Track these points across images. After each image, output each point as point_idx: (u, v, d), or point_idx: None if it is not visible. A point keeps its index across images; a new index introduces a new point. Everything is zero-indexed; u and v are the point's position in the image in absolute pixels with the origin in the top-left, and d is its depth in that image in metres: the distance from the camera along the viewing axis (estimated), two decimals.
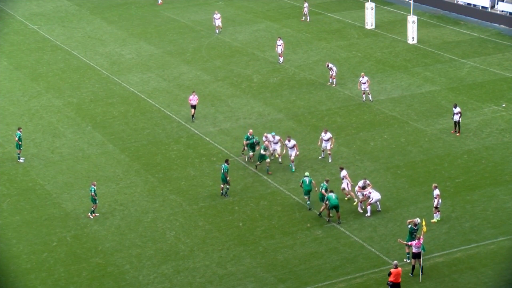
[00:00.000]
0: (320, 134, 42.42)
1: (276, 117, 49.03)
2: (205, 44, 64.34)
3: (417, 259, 31.93)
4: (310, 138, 45.34)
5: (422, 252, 31.81)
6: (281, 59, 58.22)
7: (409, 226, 33.03)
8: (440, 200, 35.95)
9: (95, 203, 37.19)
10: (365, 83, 49.97)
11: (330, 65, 53.77)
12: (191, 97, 48.19)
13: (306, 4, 69.94)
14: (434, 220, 36.03)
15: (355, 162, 42.19)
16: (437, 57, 58.82)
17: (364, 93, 50.40)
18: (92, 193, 36.91)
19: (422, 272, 31.98)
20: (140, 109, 51.21)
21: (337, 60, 59.05)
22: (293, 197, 38.74)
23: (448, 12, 70.26)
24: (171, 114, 49.99)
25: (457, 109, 44.64)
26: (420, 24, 64.02)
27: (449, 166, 41.60)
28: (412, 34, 62.31)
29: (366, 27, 66.70)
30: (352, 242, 34.71)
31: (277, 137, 42.33)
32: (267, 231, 35.92)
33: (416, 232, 32.66)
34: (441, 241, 34.54)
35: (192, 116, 48.18)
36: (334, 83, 53.57)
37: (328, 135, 41.60)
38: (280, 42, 58.10)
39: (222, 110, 50.48)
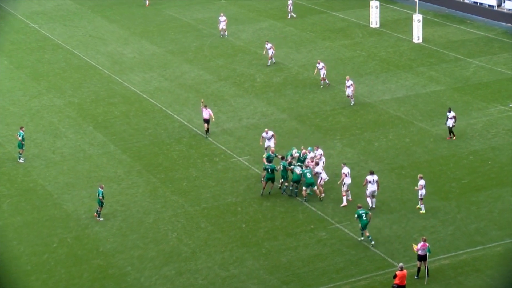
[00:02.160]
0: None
1: (280, 117, 49.01)
2: (207, 43, 64.37)
3: (422, 262, 31.83)
4: (313, 138, 45.31)
5: (427, 254, 31.74)
6: (269, 61, 57.61)
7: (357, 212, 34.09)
8: (424, 190, 36.13)
9: (102, 206, 37.08)
10: (350, 86, 49.38)
11: (322, 64, 53.02)
12: (203, 109, 45.68)
13: (290, 2, 69.90)
14: (423, 211, 36.38)
15: (360, 162, 42.16)
16: (442, 57, 58.74)
17: (349, 97, 49.81)
18: (100, 197, 36.81)
19: (427, 274, 31.89)
20: (142, 109, 51.22)
21: (341, 59, 59.05)
22: (297, 198, 38.67)
23: (453, 10, 70.14)
24: (173, 114, 50.00)
25: (452, 114, 44.13)
26: (425, 23, 63.82)
27: (455, 167, 41.53)
28: (417, 33, 62.25)
29: (371, 26, 66.63)
30: (356, 244, 34.65)
31: (270, 133, 42.33)
32: (270, 233, 35.88)
33: (365, 215, 33.82)
34: (446, 243, 34.47)
35: (206, 131, 45.69)
36: (327, 82, 53.07)
37: (319, 151, 39.83)
38: (269, 45, 57.67)
39: (225, 110, 50.45)
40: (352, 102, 49.92)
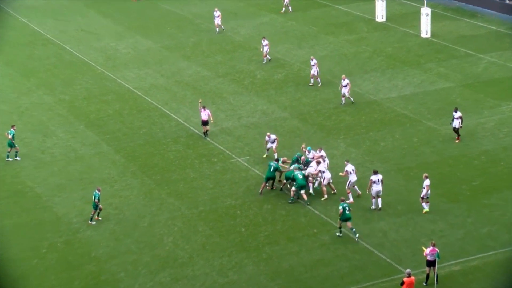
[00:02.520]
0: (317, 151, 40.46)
1: (281, 115, 48.92)
2: (205, 38, 64.33)
3: (431, 267, 31.66)
4: (316, 138, 45.21)
5: (436, 260, 31.59)
6: (265, 59, 57.68)
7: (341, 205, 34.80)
8: (429, 191, 36.42)
9: (96, 209, 36.97)
10: (346, 86, 49.18)
11: (315, 61, 52.62)
12: (202, 110, 45.31)
13: None
14: (426, 209, 36.60)
15: (365, 163, 42.03)
16: (452, 52, 58.64)
17: (343, 97, 49.53)
18: (96, 200, 36.69)
19: (437, 281, 31.71)
20: (137, 107, 51.11)
21: (345, 55, 59.02)
22: (299, 200, 38.53)
23: (464, 4, 70.02)
24: (169, 113, 49.89)
25: (458, 114, 43.86)
26: (434, 17, 63.73)
27: (465, 168, 41.42)
28: (425, 27, 62.16)
29: (377, 20, 66.58)
30: (361, 249, 34.51)
31: (273, 136, 42.40)
32: (271, 237, 35.76)
33: (348, 209, 34.60)
34: (456, 248, 34.31)
35: (205, 135, 45.41)
36: (312, 83, 52.82)
37: (322, 153, 39.64)
38: (265, 42, 57.62)
39: (224, 108, 50.36)
40: (352, 100, 49.59)
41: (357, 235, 34.84)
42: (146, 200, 39.36)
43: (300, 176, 37.79)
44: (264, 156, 42.79)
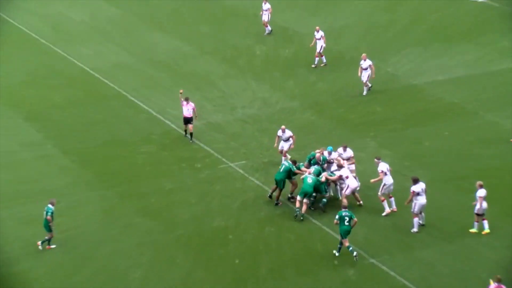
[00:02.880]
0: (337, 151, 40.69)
1: (288, 105, 48.97)
2: (187, 3, 64.86)
3: None
4: (335, 135, 45.15)
5: None
6: (266, 29, 58.51)
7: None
8: (484, 204, 36.31)
9: (51, 231, 36.68)
10: (367, 68, 48.98)
11: (321, 33, 52.74)
12: (184, 103, 44.98)
13: None
14: (474, 230, 36.68)
15: (403, 170, 41.57)
16: None
17: (366, 85, 49.59)
18: (49, 217, 36.45)
19: None
20: (94, 94, 51.37)
21: (376, 26, 59.48)
22: (313, 220, 38.24)
23: None
24: (138, 102, 49.96)
25: None
26: None
27: None
28: None
29: None
30: (399, 286, 34.06)
31: (288, 132, 42.22)
32: (276, 270, 35.36)
33: (349, 220, 35.15)
34: None
35: (185, 133, 45.34)
36: (316, 62, 53.31)
37: (348, 152, 40.15)
38: (267, 5, 58.16)
39: (211, 96, 50.39)
40: (365, 91, 49.41)
41: (355, 253, 35.26)
42: (105, 220, 39.14)
43: (310, 181, 38.08)
44: (284, 158, 41.95)
